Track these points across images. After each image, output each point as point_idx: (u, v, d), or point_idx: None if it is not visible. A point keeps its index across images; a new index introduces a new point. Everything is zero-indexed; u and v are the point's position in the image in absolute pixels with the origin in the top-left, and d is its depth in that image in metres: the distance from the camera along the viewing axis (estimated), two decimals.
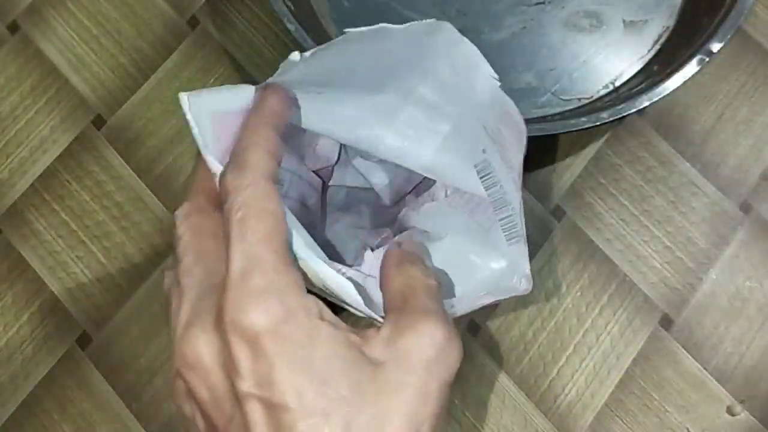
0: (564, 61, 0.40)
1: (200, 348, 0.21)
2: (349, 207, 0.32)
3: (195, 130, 0.24)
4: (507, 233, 0.26)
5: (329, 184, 0.31)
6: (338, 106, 0.26)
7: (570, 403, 0.37)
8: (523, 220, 0.27)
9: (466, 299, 0.26)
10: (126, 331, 0.38)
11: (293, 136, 0.28)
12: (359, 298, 0.23)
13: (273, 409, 0.20)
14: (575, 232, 0.39)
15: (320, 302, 0.22)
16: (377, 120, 0.27)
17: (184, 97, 0.24)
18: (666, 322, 0.38)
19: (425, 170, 0.27)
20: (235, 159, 0.23)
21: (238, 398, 0.20)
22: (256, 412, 0.20)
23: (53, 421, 0.37)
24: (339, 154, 0.30)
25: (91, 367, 0.38)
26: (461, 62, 0.27)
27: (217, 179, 0.24)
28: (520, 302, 0.38)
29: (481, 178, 0.26)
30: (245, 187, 0.22)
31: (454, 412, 0.37)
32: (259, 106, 0.25)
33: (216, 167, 0.23)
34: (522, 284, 0.26)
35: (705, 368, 0.37)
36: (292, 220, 0.23)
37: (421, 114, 0.27)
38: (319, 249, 0.24)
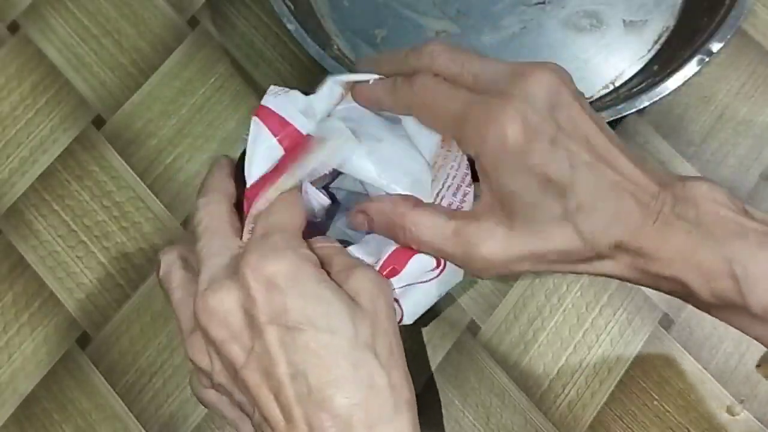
0: (564, 61, 0.39)
1: (222, 296, 0.25)
2: (349, 207, 0.32)
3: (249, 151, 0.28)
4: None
5: (330, 186, 0.32)
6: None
7: (570, 403, 0.37)
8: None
9: None
10: (126, 331, 0.38)
11: None
12: None
13: (289, 331, 0.24)
14: None
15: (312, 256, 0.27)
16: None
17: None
18: (666, 322, 0.38)
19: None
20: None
21: (256, 329, 0.24)
22: (274, 337, 0.24)
23: (53, 421, 0.37)
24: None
25: (91, 367, 0.38)
26: None
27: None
28: (520, 302, 0.38)
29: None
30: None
31: (454, 412, 0.37)
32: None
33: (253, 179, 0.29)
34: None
35: (705, 368, 0.37)
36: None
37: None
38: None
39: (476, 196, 0.28)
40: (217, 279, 0.25)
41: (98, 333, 0.38)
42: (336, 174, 0.31)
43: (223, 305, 0.25)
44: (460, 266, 0.28)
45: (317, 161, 0.28)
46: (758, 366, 0.37)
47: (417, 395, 0.37)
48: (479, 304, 0.38)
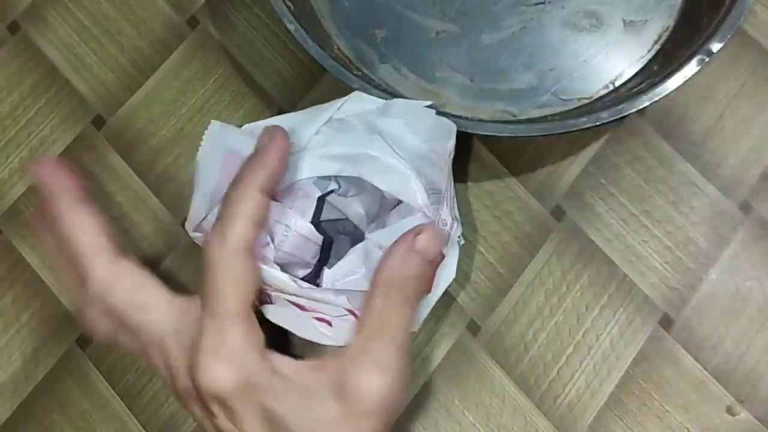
0: (564, 61, 0.40)
1: (191, 407, 0.26)
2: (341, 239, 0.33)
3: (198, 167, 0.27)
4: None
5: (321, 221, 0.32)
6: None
7: (570, 403, 0.37)
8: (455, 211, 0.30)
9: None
10: None
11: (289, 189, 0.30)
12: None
13: None
14: (575, 232, 0.39)
15: (277, 357, 0.25)
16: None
17: (213, 125, 0.27)
18: (666, 322, 0.38)
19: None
20: (219, 227, 0.25)
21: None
22: None
23: (53, 421, 0.37)
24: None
25: (91, 367, 0.38)
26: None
27: (191, 225, 0.28)
28: (520, 302, 0.38)
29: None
30: (224, 260, 0.24)
31: (454, 412, 0.37)
32: (256, 158, 0.26)
33: (197, 214, 0.28)
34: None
35: (705, 368, 0.37)
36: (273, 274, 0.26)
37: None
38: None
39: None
40: (193, 358, 0.25)
41: None
42: (321, 205, 0.31)
43: (194, 415, 0.26)
44: None
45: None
46: None
47: (416, 396, 0.37)
48: (479, 304, 0.38)
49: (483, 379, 0.37)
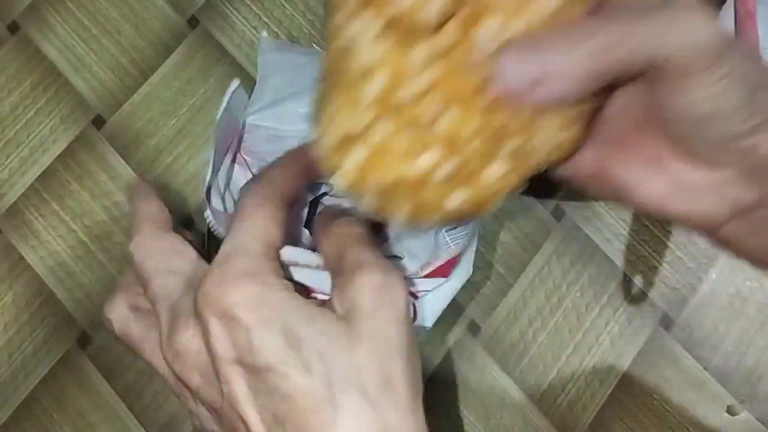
0: None
1: (185, 338, 0.22)
2: None
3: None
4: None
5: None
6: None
7: (570, 403, 0.37)
8: None
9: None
10: None
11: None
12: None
13: (256, 373, 0.21)
14: (575, 232, 0.39)
15: (294, 286, 0.23)
16: None
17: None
18: (666, 322, 0.38)
19: None
20: (262, 179, 0.25)
21: (222, 372, 0.21)
22: (240, 381, 0.21)
23: (53, 421, 0.37)
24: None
25: (91, 367, 0.38)
26: None
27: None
28: (520, 302, 0.38)
29: None
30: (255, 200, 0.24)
31: (454, 411, 0.37)
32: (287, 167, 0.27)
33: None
34: None
35: (705, 368, 0.37)
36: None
37: None
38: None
39: None
40: (176, 318, 0.23)
41: (98, 333, 0.38)
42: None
43: (189, 347, 0.22)
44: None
45: None
46: None
47: None
48: (479, 304, 0.38)
49: (483, 379, 0.37)
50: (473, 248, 0.31)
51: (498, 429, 0.37)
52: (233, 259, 0.22)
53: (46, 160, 0.41)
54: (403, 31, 0.19)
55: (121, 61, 0.42)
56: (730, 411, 0.37)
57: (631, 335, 0.38)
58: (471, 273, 0.31)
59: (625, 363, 0.37)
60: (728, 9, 0.37)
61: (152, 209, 0.28)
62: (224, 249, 0.23)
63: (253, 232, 0.23)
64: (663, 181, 0.21)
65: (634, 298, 0.38)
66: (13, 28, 0.43)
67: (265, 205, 0.24)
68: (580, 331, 0.38)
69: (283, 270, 0.24)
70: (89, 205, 0.40)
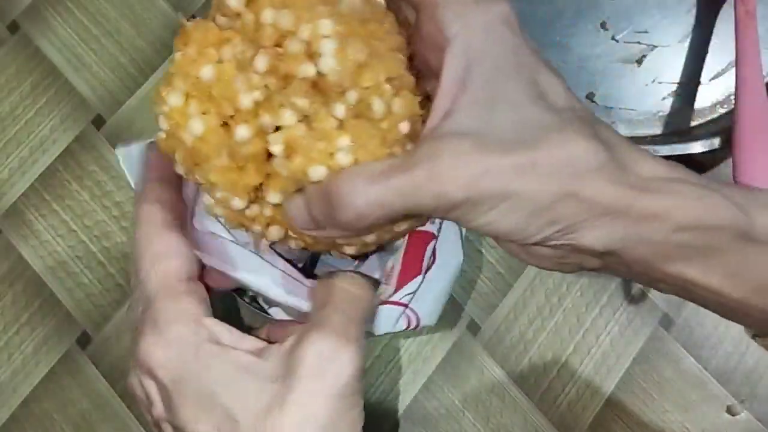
0: None
1: (132, 383, 0.24)
2: None
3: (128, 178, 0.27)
4: None
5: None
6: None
7: (570, 403, 0.37)
8: None
9: None
10: (126, 330, 0.38)
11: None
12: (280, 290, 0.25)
13: (179, 430, 0.22)
14: None
15: (218, 325, 0.23)
16: None
17: (119, 149, 0.28)
18: (666, 322, 0.38)
19: None
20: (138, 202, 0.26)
21: (157, 424, 0.23)
22: None
23: (53, 421, 0.37)
24: None
25: (91, 367, 0.38)
26: None
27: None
28: (520, 302, 0.38)
29: None
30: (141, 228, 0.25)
31: (454, 412, 0.37)
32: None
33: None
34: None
35: (705, 368, 0.37)
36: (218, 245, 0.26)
37: None
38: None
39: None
40: (130, 363, 0.24)
41: (98, 333, 0.38)
42: None
43: (135, 392, 0.24)
44: (431, 211, 0.20)
45: None
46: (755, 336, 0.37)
47: (416, 395, 0.37)
48: (479, 304, 0.38)
49: (483, 379, 0.37)
50: (455, 232, 0.30)
51: (498, 429, 0.37)
52: (156, 314, 0.23)
53: (46, 160, 0.41)
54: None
55: (121, 61, 0.42)
56: (730, 411, 0.37)
57: (631, 335, 0.38)
58: (461, 258, 0.30)
59: (625, 363, 0.37)
60: (728, 9, 0.37)
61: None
62: (144, 294, 0.23)
63: (162, 272, 0.24)
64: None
65: (634, 298, 0.38)
66: (13, 28, 0.43)
67: (161, 233, 0.24)
68: (580, 331, 0.38)
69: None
70: (89, 205, 0.40)
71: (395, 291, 0.28)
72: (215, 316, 0.26)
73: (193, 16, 0.42)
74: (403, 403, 0.37)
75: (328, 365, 0.21)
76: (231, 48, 0.22)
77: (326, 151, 0.20)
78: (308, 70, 0.20)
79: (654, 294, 0.38)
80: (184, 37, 0.23)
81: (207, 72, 0.22)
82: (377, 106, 0.21)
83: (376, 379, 0.37)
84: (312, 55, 0.20)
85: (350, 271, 0.27)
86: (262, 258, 0.26)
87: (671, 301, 0.38)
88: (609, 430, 0.37)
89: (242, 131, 0.21)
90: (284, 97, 0.20)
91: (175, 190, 0.26)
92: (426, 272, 0.29)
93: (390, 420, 0.37)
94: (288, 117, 0.21)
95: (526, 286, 0.38)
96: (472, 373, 0.37)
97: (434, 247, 0.29)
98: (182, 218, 0.26)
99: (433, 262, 0.29)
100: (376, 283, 0.28)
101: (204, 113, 0.22)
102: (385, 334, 0.28)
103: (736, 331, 0.38)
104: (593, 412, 0.37)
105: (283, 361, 0.22)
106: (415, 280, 0.28)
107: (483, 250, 0.39)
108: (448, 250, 0.30)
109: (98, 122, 0.41)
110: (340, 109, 0.20)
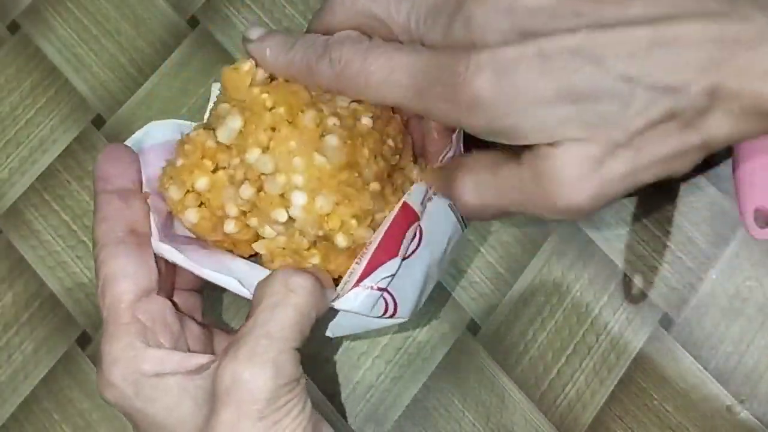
0: None
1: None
2: None
3: None
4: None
5: None
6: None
7: (570, 403, 0.37)
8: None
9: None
10: None
11: None
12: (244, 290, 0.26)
13: None
14: (575, 232, 0.39)
15: (159, 352, 0.24)
16: None
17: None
18: (666, 322, 0.38)
19: None
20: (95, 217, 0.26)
21: None
22: None
23: (53, 421, 0.37)
24: None
25: (91, 367, 0.38)
26: None
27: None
28: (520, 302, 0.38)
29: None
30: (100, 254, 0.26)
31: (454, 412, 0.37)
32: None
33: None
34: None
35: (705, 368, 0.37)
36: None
37: None
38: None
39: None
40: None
41: (98, 333, 0.38)
42: None
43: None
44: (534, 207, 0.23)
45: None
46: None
47: (416, 395, 0.37)
48: (479, 304, 0.38)
49: (483, 379, 0.37)
50: (443, 203, 0.28)
51: (498, 429, 0.37)
52: (102, 354, 0.24)
53: (46, 160, 0.41)
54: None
55: (121, 61, 0.42)
56: (730, 411, 0.37)
57: (631, 335, 0.38)
58: (461, 230, 0.29)
59: (625, 363, 0.37)
60: None
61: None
62: (104, 306, 0.25)
63: (109, 297, 0.25)
64: None
65: (634, 298, 0.38)
66: (13, 28, 0.43)
67: (112, 252, 0.25)
68: (580, 331, 0.38)
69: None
70: (89, 205, 0.40)
71: (367, 273, 0.26)
72: (204, 305, 0.30)
73: (195, 17, 0.43)
74: (403, 403, 0.37)
75: (243, 387, 0.22)
76: (226, 158, 0.25)
77: (300, 264, 0.26)
78: (281, 215, 0.24)
79: (654, 294, 0.38)
80: (186, 144, 0.26)
81: (201, 183, 0.25)
82: (340, 240, 0.25)
83: (376, 379, 0.37)
84: (286, 200, 0.24)
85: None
86: (231, 256, 0.28)
87: (671, 301, 0.38)
88: (609, 430, 0.37)
89: (230, 227, 0.26)
90: (265, 217, 0.25)
91: (132, 196, 0.26)
92: (407, 257, 0.27)
93: (390, 420, 0.37)
94: (268, 232, 0.25)
95: (526, 286, 0.38)
96: (472, 373, 0.37)
97: (419, 231, 0.28)
98: (141, 223, 0.26)
99: (417, 247, 0.27)
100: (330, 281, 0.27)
101: (200, 205, 0.26)
102: (361, 315, 0.26)
103: (736, 331, 0.38)
104: (593, 412, 0.37)
105: (212, 381, 0.23)
106: (392, 261, 0.26)
107: (483, 250, 0.39)
108: (435, 240, 0.28)
109: (98, 122, 0.41)
110: (309, 237, 0.25)
